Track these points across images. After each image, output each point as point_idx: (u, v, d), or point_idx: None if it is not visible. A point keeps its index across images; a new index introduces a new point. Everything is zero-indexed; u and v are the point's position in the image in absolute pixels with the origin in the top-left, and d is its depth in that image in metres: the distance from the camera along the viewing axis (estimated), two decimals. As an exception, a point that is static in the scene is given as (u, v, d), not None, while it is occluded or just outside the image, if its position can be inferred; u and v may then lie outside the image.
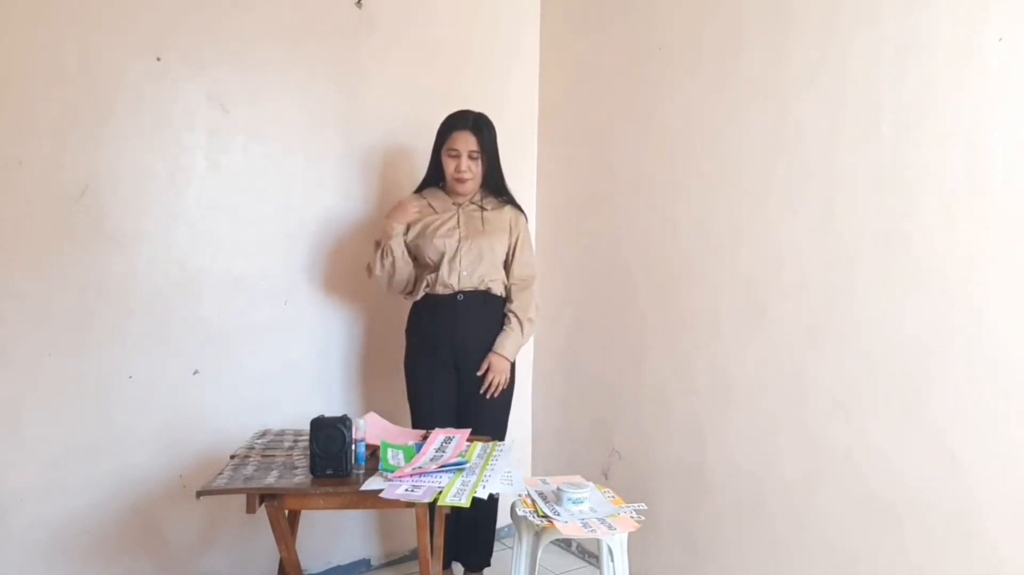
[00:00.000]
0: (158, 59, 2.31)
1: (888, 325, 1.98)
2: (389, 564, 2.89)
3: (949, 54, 1.84)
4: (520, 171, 2.85)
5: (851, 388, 2.06)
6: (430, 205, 2.54)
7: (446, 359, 2.51)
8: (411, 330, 2.59)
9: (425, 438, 2.24)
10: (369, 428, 2.12)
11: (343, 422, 1.96)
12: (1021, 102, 1.73)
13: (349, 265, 2.73)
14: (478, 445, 2.20)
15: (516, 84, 3.13)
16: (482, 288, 2.49)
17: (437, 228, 2.49)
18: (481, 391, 2.51)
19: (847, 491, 2.08)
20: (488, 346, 2.52)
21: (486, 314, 2.52)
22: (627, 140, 2.75)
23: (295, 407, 2.55)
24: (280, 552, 2.06)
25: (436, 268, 2.47)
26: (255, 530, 2.39)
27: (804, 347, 2.18)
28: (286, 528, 2.01)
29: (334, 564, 2.77)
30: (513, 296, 2.55)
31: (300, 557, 2.13)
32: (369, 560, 2.86)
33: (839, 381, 2.09)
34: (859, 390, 2.04)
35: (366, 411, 2.47)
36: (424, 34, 2.85)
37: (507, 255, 2.56)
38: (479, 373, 2.50)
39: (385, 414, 2.44)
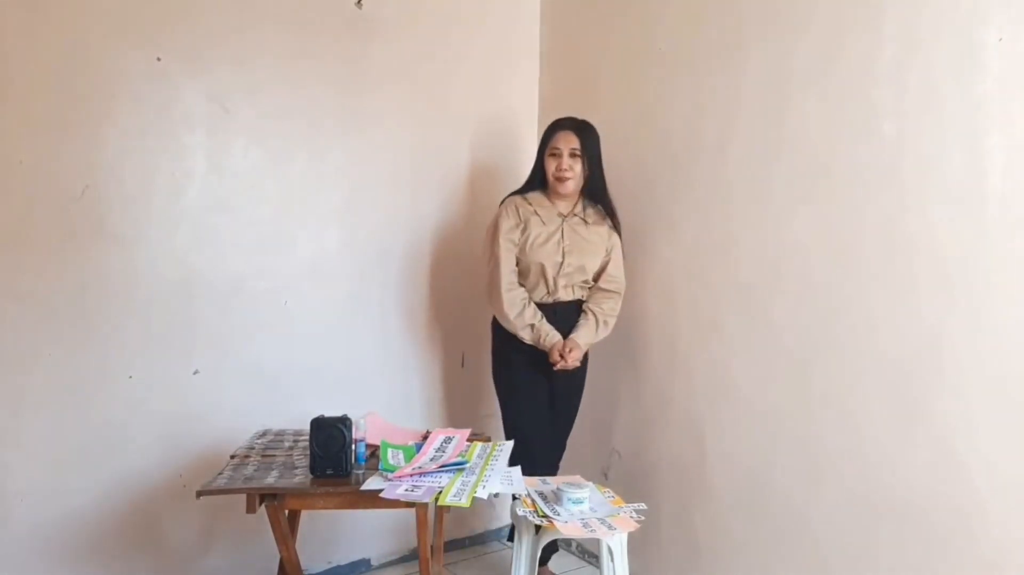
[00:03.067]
0: (158, 59, 2.31)
1: (888, 324, 1.98)
2: (389, 564, 2.89)
3: (949, 54, 1.84)
4: (520, 171, 2.85)
5: (851, 388, 2.06)
6: (536, 213, 2.55)
7: (538, 363, 2.52)
8: (503, 333, 2.58)
9: (425, 438, 2.24)
10: (369, 428, 2.12)
11: (343, 422, 1.96)
12: (1021, 102, 1.72)
13: (350, 265, 2.73)
14: (478, 445, 2.20)
15: (516, 84, 3.13)
16: (578, 297, 2.57)
17: (544, 243, 2.51)
18: (555, 368, 2.48)
19: (847, 491, 2.08)
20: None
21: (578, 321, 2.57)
22: (627, 140, 2.75)
23: (295, 407, 2.55)
24: (280, 552, 2.06)
25: (537, 279, 2.53)
26: (255, 530, 2.39)
27: (804, 347, 2.18)
28: (286, 528, 2.01)
29: (334, 564, 2.77)
30: (599, 298, 2.57)
31: (300, 557, 2.13)
32: (369, 560, 2.86)
33: (839, 381, 2.09)
34: (859, 390, 2.04)
35: (367, 411, 2.47)
36: (424, 34, 2.85)
37: (602, 267, 2.59)
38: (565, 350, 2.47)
39: (386, 413, 2.44)
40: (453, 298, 2.97)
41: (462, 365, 3.04)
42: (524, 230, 2.52)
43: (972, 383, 1.82)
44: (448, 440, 2.19)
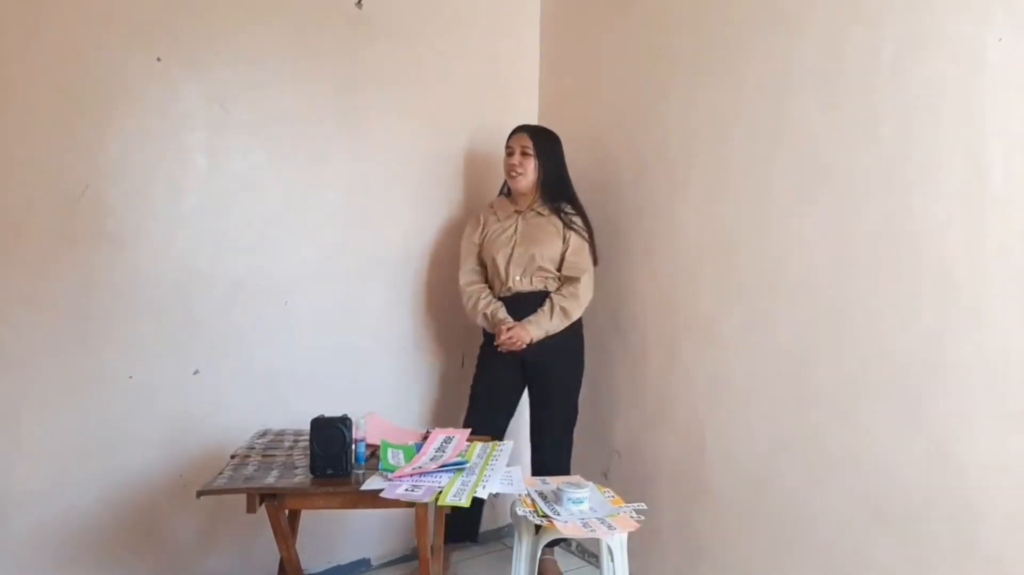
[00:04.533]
0: (158, 59, 2.31)
1: (888, 325, 1.98)
2: (389, 564, 2.89)
3: (949, 54, 1.84)
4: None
5: (851, 388, 2.06)
6: (495, 213, 2.73)
7: (512, 355, 2.59)
8: (482, 331, 2.74)
9: (425, 438, 2.24)
10: (369, 428, 2.12)
11: (343, 422, 1.96)
12: (1021, 102, 1.73)
13: (350, 265, 2.73)
14: (478, 445, 2.20)
15: (516, 85, 3.13)
16: (539, 288, 2.64)
17: (498, 237, 2.69)
18: (495, 344, 2.60)
19: (847, 491, 2.08)
20: (550, 343, 2.60)
21: None
22: (627, 140, 2.75)
23: (295, 407, 2.55)
24: (280, 552, 2.06)
25: (495, 272, 2.68)
26: (255, 530, 2.39)
27: (804, 347, 2.18)
28: (286, 528, 2.01)
29: (334, 564, 2.77)
30: (561, 287, 2.65)
31: (300, 557, 2.13)
32: (369, 560, 2.86)
33: (839, 381, 2.09)
34: (859, 390, 2.04)
35: (367, 411, 2.47)
36: (424, 34, 2.85)
37: (560, 258, 2.65)
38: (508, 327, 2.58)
39: (386, 413, 2.44)
40: (453, 298, 2.96)
41: (462, 365, 3.04)
42: (483, 231, 2.73)
43: (972, 384, 1.82)
44: (448, 440, 2.19)
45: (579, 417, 2.79)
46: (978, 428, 1.81)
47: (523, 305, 2.61)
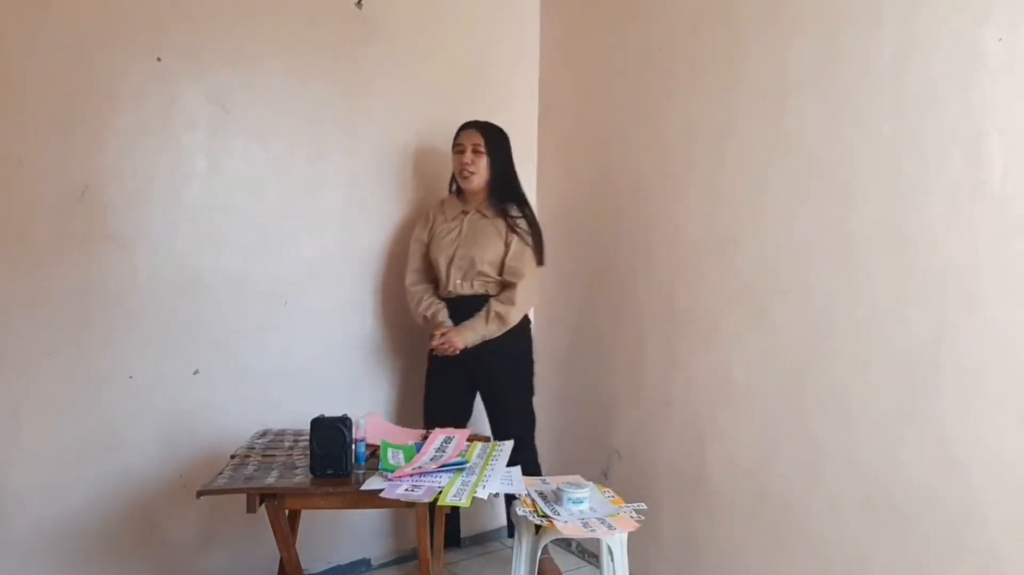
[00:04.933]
0: (158, 59, 2.31)
1: (888, 325, 1.98)
2: (389, 564, 2.89)
3: (949, 54, 1.84)
4: (520, 173, 2.85)
5: (851, 388, 2.06)
6: (443, 212, 2.68)
7: (457, 358, 2.56)
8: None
9: (425, 438, 2.24)
10: (369, 428, 2.12)
11: (343, 422, 1.96)
12: (1021, 102, 1.73)
13: (350, 264, 2.73)
14: (478, 445, 2.20)
15: (516, 84, 3.12)
16: (480, 292, 2.59)
17: (443, 237, 2.64)
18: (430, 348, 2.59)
19: (847, 491, 2.08)
20: (491, 345, 2.57)
21: None
22: (627, 141, 2.75)
23: (295, 407, 2.54)
24: (280, 552, 2.06)
25: (438, 272, 2.62)
26: (255, 530, 2.39)
27: (804, 347, 2.18)
28: (286, 528, 2.01)
29: (334, 564, 2.77)
30: (499, 293, 2.60)
31: (300, 557, 2.13)
32: (369, 560, 2.86)
33: (839, 381, 2.09)
34: (859, 390, 2.04)
35: (367, 411, 2.47)
36: (424, 34, 2.85)
37: (501, 262, 2.60)
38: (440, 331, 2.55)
39: (385, 414, 2.44)
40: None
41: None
42: (430, 230, 2.68)
43: (971, 383, 1.82)
44: (448, 440, 2.19)
45: (579, 417, 2.79)
46: (977, 427, 1.81)
47: (464, 309, 2.58)
